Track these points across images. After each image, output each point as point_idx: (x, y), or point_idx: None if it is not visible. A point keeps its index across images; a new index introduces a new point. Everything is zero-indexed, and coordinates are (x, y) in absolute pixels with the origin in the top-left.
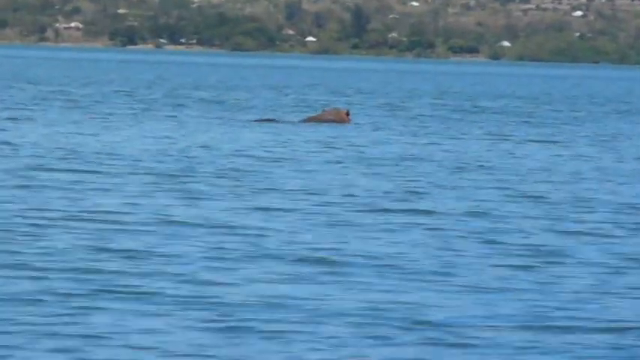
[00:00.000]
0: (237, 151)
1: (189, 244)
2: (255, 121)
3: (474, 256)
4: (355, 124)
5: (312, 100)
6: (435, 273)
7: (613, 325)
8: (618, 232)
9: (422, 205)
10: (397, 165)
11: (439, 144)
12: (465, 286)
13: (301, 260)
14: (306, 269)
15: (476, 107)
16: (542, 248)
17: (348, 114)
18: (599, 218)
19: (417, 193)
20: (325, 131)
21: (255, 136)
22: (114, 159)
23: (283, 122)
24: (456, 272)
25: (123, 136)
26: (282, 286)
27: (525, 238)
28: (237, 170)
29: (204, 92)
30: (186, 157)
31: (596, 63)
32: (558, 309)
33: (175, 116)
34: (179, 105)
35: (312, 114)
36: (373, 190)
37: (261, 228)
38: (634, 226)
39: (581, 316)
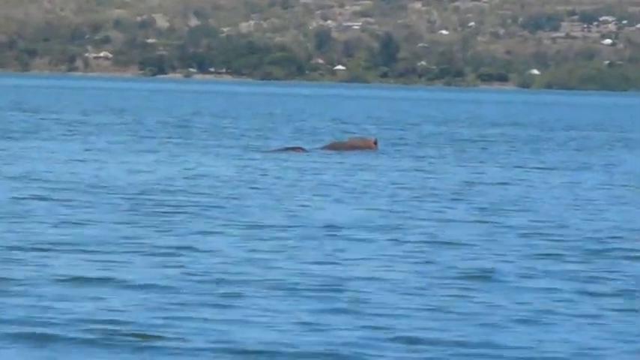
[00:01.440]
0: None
1: None
2: (278, 150)
3: None
4: (383, 152)
5: (339, 129)
6: None
7: None
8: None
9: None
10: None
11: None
12: None
13: None
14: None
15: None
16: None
17: (375, 142)
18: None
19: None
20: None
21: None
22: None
23: (310, 150)
24: None
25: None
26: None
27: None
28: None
29: (225, 120)
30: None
31: (626, 90)
32: None
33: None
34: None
35: (336, 140)
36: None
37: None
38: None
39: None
